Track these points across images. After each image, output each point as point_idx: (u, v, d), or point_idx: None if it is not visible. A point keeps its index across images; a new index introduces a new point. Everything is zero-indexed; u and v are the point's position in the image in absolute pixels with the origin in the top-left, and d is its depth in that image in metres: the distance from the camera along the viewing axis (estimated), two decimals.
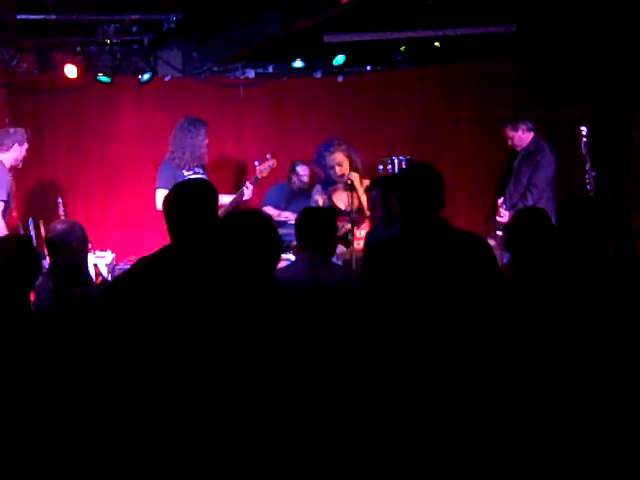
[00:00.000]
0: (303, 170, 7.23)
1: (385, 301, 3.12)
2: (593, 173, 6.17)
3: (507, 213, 6.41)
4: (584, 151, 6.17)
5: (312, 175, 7.23)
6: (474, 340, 3.08)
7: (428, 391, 3.01)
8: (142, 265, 3.22)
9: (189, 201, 3.19)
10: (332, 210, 4.36)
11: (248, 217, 2.95)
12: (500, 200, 6.52)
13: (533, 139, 6.50)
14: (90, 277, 4.42)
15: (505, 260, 6.66)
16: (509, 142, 6.57)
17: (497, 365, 3.06)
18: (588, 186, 6.16)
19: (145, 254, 3.33)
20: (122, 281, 3.24)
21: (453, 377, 3.03)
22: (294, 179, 7.25)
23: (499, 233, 6.49)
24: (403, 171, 3.50)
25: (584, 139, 6.15)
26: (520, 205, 6.37)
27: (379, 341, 3.03)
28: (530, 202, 6.33)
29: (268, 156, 6.63)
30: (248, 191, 6.27)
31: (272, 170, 6.67)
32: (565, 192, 7.15)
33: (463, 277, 3.15)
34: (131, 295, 3.08)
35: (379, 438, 2.86)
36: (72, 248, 4.23)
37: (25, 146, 6.04)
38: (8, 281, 3.01)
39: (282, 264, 4.76)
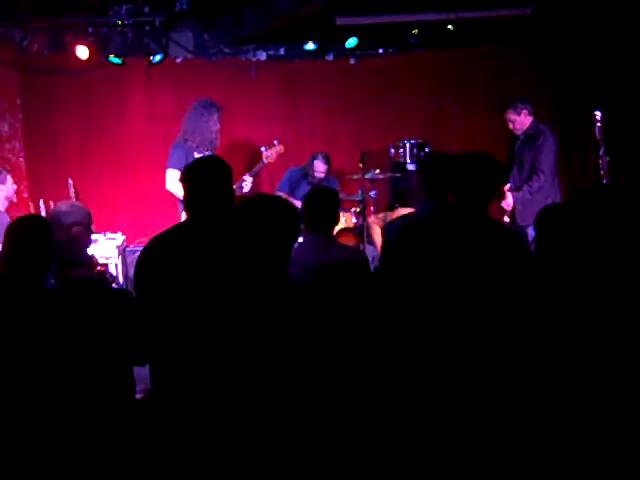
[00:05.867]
0: (318, 167, 7.16)
1: (409, 281, 3.13)
2: (607, 158, 6.11)
3: (510, 194, 6.35)
4: (598, 136, 6.11)
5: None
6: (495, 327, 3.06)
7: (445, 379, 2.99)
8: (160, 243, 3.22)
9: (209, 174, 3.23)
10: (336, 192, 4.37)
11: (272, 203, 2.92)
12: (507, 187, 6.44)
13: (532, 123, 6.42)
14: (88, 262, 4.39)
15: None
16: (510, 125, 6.44)
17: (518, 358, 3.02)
18: (601, 171, 6.11)
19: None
20: (144, 259, 3.23)
21: (471, 366, 3.01)
22: (310, 171, 7.21)
23: (506, 219, 6.44)
24: (464, 156, 3.55)
25: (598, 124, 6.09)
26: (526, 189, 6.30)
27: (398, 323, 3.02)
28: (536, 185, 6.26)
29: (275, 142, 6.58)
30: (246, 184, 6.20)
31: (279, 155, 6.63)
32: (579, 177, 7.13)
33: (490, 267, 3.16)
34: (151, 271, 3.09)
35: (398, 431, 2.84)
36: (67, 230, 4.22)
37: (10, 181, 5.98)
38: (22, 261, 3.02)
39: None
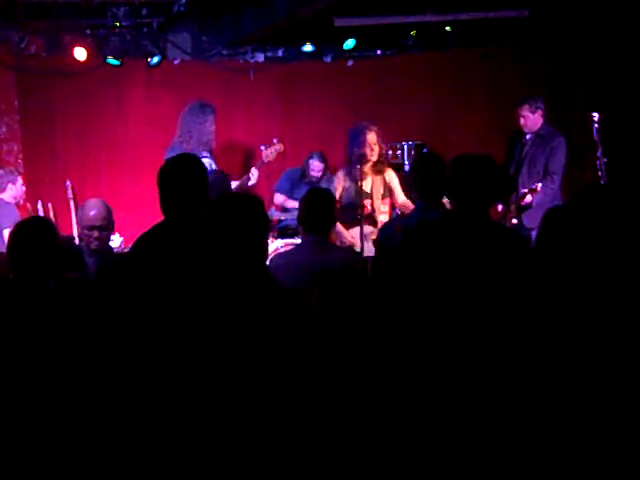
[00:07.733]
0: (314, 165, 7.15)
1: (415, 285, 3.14)
2: (605, 159, 6.09)
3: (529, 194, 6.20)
4: (596, 137, 6.10)
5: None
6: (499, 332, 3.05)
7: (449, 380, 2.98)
8: (142, 247, 3.25)
9: (181, 174, 3.26)
10: (332, 193, 4.39)
11: (238, 200, 2.92)
12: (525, 190, 6.25)
13: (543, 124, 6.36)
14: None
15: None
16: (521, 121, 6.28)
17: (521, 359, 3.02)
18: (599, 173, 6.09)
19: None
20: (123, 265, 3.26)
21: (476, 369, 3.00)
22: (307, 171, 7.20)
23: (514, 221, 6.35)
24: (462, 158, 3.52)
25: (595, 125, 6.08)
26: (543, 191, 6.14)
27: (402, 325, 3.01)
28: (551, 187, 6.11)
29: (274, 140, 6.59)
30: (253, 177, 6.23)
31: (279, 154, 6.64)
32: (576, 179, 7.12)
33: (496, 271, 3.16)
34: (132, 278, 3.10)
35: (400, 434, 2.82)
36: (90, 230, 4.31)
37: (19, 182, 6.28)
38: (30, 263, 3.02)
39: (288, 248, 4.77)
